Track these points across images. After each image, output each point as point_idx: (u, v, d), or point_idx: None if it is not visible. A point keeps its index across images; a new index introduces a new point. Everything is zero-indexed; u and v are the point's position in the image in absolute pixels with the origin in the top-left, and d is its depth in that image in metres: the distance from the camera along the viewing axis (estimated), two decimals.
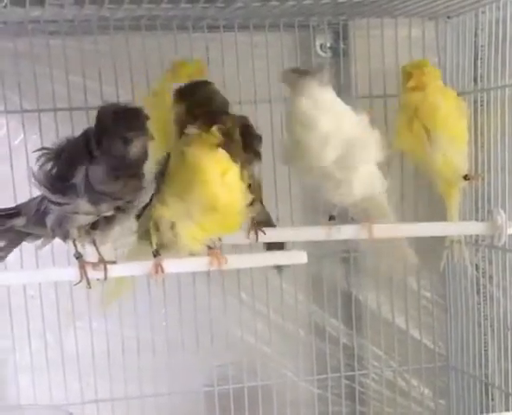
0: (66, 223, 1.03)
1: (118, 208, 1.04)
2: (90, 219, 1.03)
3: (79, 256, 1.08)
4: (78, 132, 1.26)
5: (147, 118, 1.02)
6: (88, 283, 1.07)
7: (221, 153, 1.03)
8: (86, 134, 1.04)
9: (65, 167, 1.02)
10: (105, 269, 1.07)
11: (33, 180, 1.03)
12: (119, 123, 1.00)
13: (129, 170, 1.01)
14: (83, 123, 1.28)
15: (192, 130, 1.04)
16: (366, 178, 1.17)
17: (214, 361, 1.42)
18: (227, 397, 1.42)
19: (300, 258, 1.15)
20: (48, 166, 1.03)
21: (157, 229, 1.07)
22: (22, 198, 1.28)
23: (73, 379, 1.35)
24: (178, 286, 1.37)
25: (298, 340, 1.47)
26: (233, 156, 1.04)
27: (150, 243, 1.09)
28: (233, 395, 1.42)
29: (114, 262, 1.09)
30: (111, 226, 1.05)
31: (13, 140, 1.33)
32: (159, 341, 1.38)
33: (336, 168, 1.14)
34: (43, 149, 1.05)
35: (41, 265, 1.29)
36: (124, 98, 1.31)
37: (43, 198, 1.05)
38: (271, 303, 1.45)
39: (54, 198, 1.02)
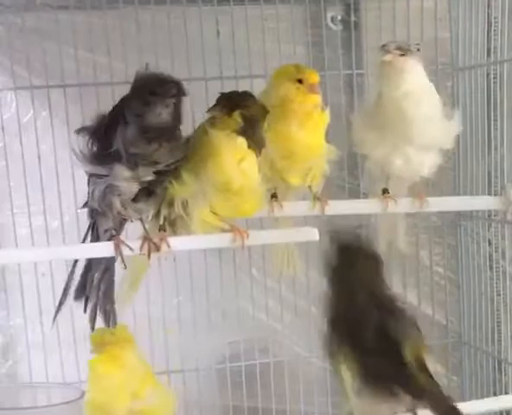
0: (109, 194, 1.04)
1: (157, 173, 1.03)
2: (132, 187, 1.03)
3: (115, 233, 1.07)
4: (87, 108, 1.27)
5: (179, 89, 1.00)
6: (123, 261, 1.06)
7: (239, 139, 1.03)
8: (122, 101, 1.04)
9: (104, 137, 1.03)
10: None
11: (74, 157, 1.04)
12: (144, 87, 1.00)
13: (157, 133, 1.00)
14: (92, 98, 1.28)
15: (214, 112, 1.04)
16: (433, 159, 1.16)
17: (225, 338, 1.41)
18: (239, 374, 1.41)
19: (312, 235, 1.14)
20: (87, 141, 1.04)
21: (170, 205, 1.07)
22: (33, 175, 1.28)
23: (84, 358, 1.34)
24: (190, 263, 1.36)
25: (310, 316, 1.46)
26: (252, 143, 1.04)
27: (158, 218, 1.08)
28: (245, 372, 1.42)
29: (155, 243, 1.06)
30: (152, 197, 1.05)
31: (22, 117, 1.33)
32: (171, 318, 1.38)
33: (416, 147, 1.13)
34: (83, 127, 1.05)
35: (52, 243, 1.29)
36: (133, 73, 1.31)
37: (90, 176, 1.06)
38: (282, 279, 1.44)
39: (94, 170, 1.04)
